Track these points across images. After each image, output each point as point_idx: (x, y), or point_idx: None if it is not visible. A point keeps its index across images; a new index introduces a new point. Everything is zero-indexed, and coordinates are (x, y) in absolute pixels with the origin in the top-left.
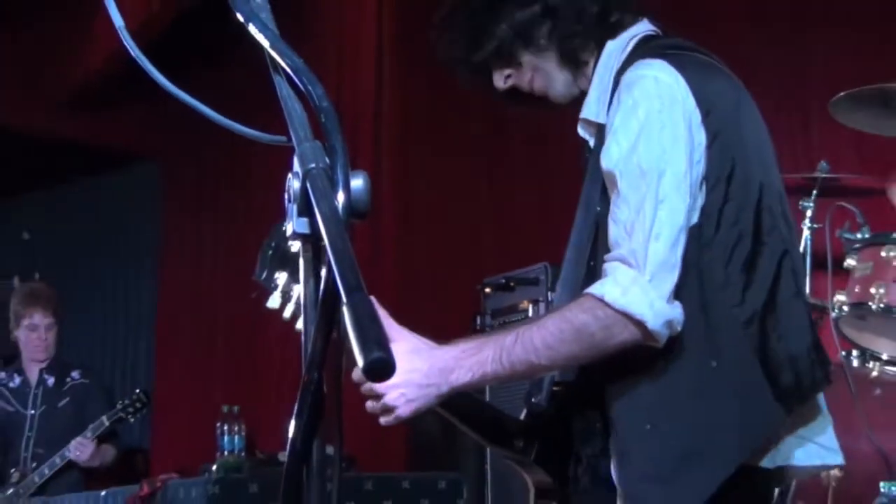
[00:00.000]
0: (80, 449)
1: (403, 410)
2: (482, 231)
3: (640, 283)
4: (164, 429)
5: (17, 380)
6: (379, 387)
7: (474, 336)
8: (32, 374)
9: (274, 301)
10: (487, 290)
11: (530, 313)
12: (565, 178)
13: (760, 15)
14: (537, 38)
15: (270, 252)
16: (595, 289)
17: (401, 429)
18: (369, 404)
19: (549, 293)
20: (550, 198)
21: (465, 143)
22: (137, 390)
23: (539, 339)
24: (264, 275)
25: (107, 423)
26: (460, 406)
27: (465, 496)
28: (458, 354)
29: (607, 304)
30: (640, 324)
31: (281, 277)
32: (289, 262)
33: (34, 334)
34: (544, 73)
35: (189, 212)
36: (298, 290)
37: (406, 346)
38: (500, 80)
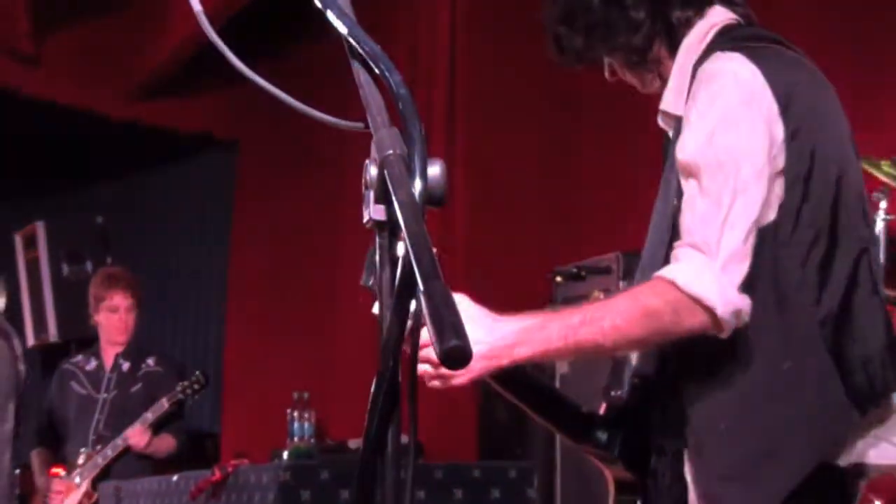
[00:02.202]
0: (135, 437)
1: (460, 379)
2: (554, 219)
3: (712, 270)
4: (235, 414)
5: (93, 363)
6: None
7: (538, 312)
8: (108, 358)
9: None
10: (558, 278)
11: None
12: (638, 166)
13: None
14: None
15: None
16: (666, 272)
17: (470, 417)
18: (423, 369)
19: (620, 282)
20: (623, 186)
21: (537, 132)
22: (197, 371)
23: (608, 320)
24: (371, 281)
25: (167, 405)
26: (540, 400)
27: (535, 484)
28: (522, 329)
29: (678, 288)
30: (709, 310)
31: None
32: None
33: (115, 316)
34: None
35: (262, 197)
36: None
37: (468, 315)
38: (607, 73)
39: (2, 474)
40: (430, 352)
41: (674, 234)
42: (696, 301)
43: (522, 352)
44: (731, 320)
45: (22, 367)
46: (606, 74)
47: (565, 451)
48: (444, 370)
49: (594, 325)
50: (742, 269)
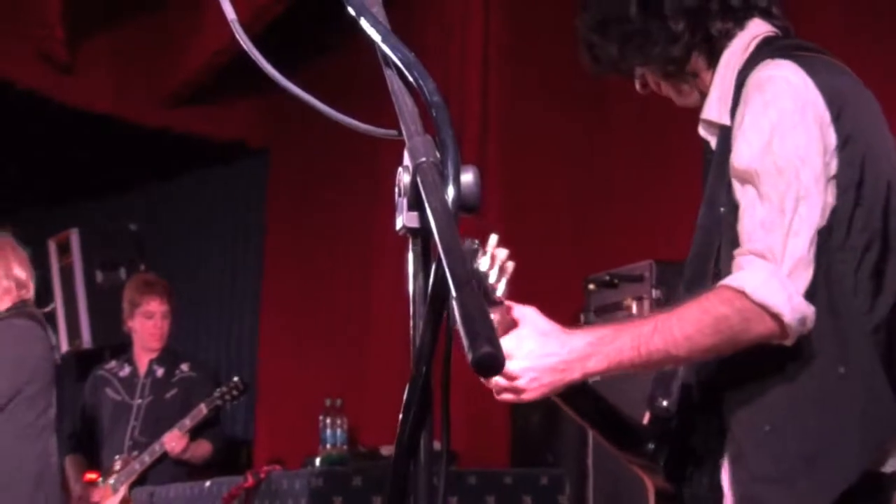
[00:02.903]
0: (173, 442)
1: (532, 394)
2: (586, 227)
3: (778, 277)
4: (268, 421)
5: (127, 369)
6: (510, 368)
7: (607, 324)
8: (142, 364)
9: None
10: (591, 286)
11: (634, 311)
12: (671, 174)
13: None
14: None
15: None
16: (733, 280)
17: (502, 424)
18: (496, 381)
19: (653, 290)
20: (656, 194)
21: (570, 141)
22: (235, 378)
23: (678, 329)
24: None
25: (205, 412)
26: (588, 408)
27: (567, 492)
28: (593, 341)
29: (747, 296)
30: (776, 317)
31: None
32: None
33: (150, 322)
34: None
35: (295, 203)
36: None
37: (539, 327)
38: (638, 85)
39: (50, 459)
40: (507, 364)
41: (721, 244)
42: (765, 308)
43: (595, 364)
44: (798, 327)
45: (57, 357)
46: (638, 86)
47: (597, 458)
48: (518, 384)
49: (665, 334)
50: (807, 275)
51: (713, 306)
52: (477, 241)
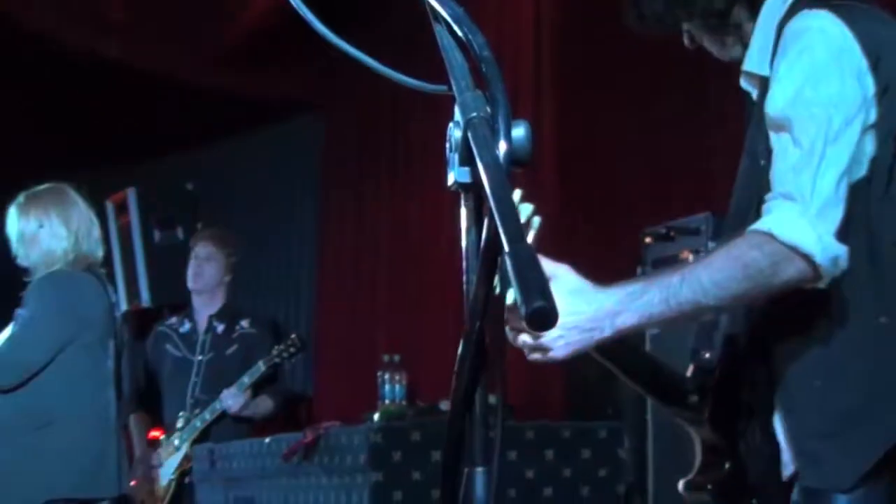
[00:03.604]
0: (232, 399)
1: (560, 352)
2: (643, 180)
3: (807, 217)
4: (326, 377)
5: (187, 325)
6: None
7: (635, 278)
8: (202, 320)
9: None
10: (648, 239)
11: None
12: (726, 125)
13: None
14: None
15: None
16: (761, 224)
17: (558, 377)
18: (523, 340)
19: (709, 243)
20: (712, 146)
21: (625, 91)
22: (293, 335)
23: (707, 277)
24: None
25: (263, 368)
26: (629, 362)
27: (625, 444)
28: (623, 297)
29: (775, 238)
30: (807, 258)
31: None
32: None
33: (193, 263)
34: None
35: (350, 161)
36: None
37: (569, 285)
38: (686, 40)
39: (108, 409)
40: None
41: (762, 195)
42: (794, 249)
43: (624, 321)
44: (830, 267)
45: (117, 315)
46: (686, 41)
47: (656, 411)
48: (543, 341)
49: (694, 284)
50: (836, 215)
51: (742, 252)
52: None
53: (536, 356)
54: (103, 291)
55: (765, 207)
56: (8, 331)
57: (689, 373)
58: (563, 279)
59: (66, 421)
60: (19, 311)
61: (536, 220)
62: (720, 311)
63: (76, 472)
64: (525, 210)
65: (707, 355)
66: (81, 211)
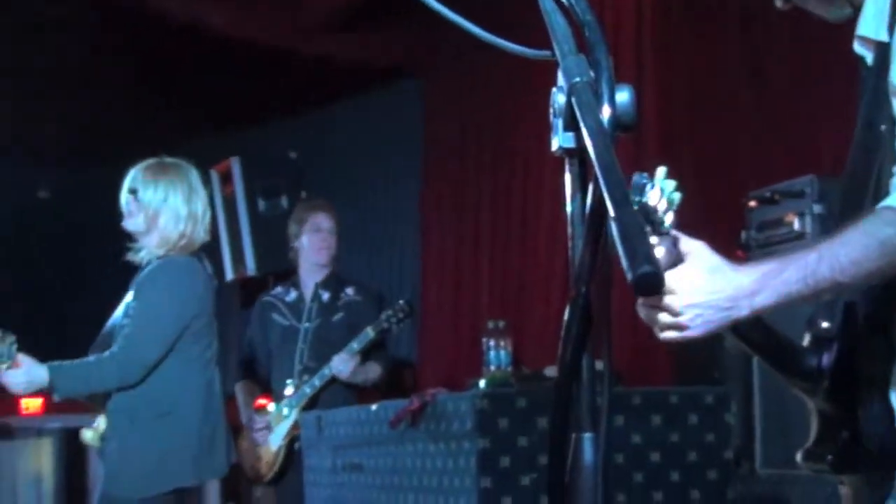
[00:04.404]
0: (343, 364)
1: (696, 331)
2: (746, 143)
3: None
4: (431, 344)
5: (293, 294)
6: (674, 304)
7: (770, 258)
8: (308, 288)
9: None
10: (752, 203)
11: (796, 226)
12: (831, 88)
13: None
14: None
15: None
16: (893, 200)
17: (664, 342)
18: (660, 317)
19: (814, 206)
20: (817, 109)
21: (727, 55)
22: (401, 301)
23: (844, 255)
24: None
25: (372, 335)
26: (756, 336)
27: (733, 409)
28: (759, 277)
29: None
30: None
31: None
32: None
33: (318, 235)
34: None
35: (452, 127)
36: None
37: (707, 263)
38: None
39: (216, 388)
40: (672, 300)
41: (884, 161)
42: None
43: (762, 300)
44: None
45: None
46: (778, 3)
47: (763, 376)
48: (681, 320)
49: (831, 261)
50: None
51: (877, 229)
52: (646, 174)
53: (671, 334)
54: (207, 274)
55: (893, 182)
56: (119, 315)
57: (805, 342)
58: (700, 256)
59: (182, 408)
60: (130, 303)
61: (677, 196)
62: (854, 288)
63: (190, 460)
64: (669, 186)
65: (825, 325)
66: (201, 195)
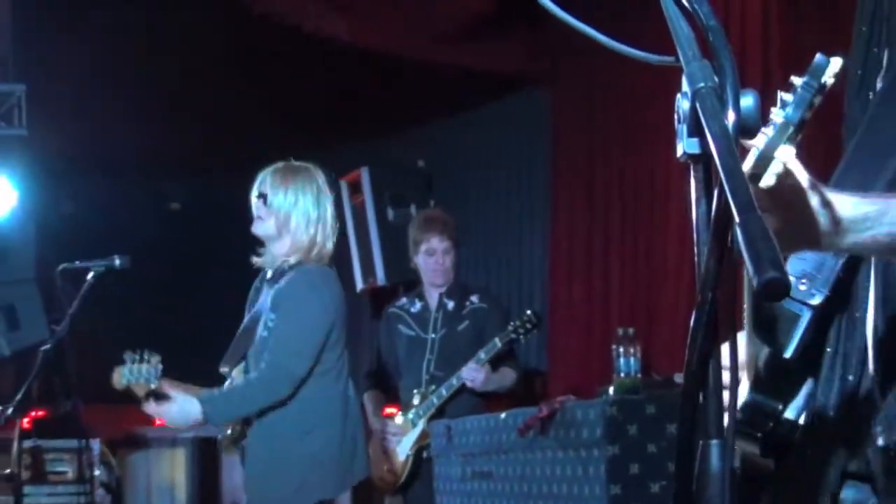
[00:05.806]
0: (473, 374)
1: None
2: None
3: None
4: (560, 351)
5: (418, 305)
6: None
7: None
8: (432, 298)
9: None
10: None
11: None
12: None
13: None
14: None
15: None
16: None
17: None
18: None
19: None
20: None
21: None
22: (528, 311)
23: None
24: None
25: (499, 345)
26: None
27: None
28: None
29: None
30: None
31: None
32: None
33: (431, 259)
34: None
35: (580, 136)
36: None
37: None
38: None
39: (349, 398)
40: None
41: None
42: None
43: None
44: None
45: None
46: None
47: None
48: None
49: None
50: None
51: None
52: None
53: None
54: (336, 277)
55: None
56: (260, 326)
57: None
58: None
59: (324, 421)
60: (269, 316)
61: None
62: None
63: (335, 472)
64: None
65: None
66: (329, 199)
